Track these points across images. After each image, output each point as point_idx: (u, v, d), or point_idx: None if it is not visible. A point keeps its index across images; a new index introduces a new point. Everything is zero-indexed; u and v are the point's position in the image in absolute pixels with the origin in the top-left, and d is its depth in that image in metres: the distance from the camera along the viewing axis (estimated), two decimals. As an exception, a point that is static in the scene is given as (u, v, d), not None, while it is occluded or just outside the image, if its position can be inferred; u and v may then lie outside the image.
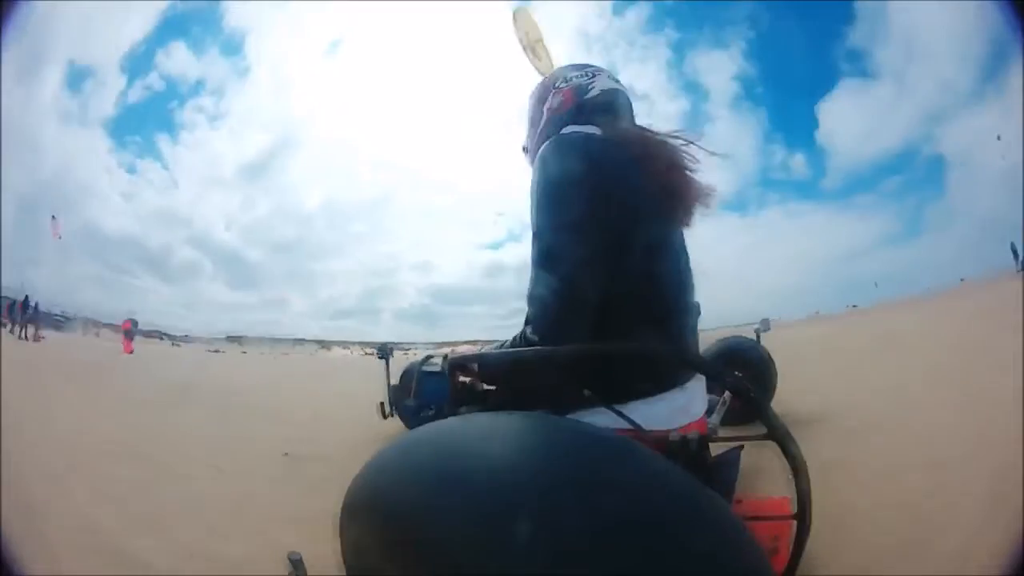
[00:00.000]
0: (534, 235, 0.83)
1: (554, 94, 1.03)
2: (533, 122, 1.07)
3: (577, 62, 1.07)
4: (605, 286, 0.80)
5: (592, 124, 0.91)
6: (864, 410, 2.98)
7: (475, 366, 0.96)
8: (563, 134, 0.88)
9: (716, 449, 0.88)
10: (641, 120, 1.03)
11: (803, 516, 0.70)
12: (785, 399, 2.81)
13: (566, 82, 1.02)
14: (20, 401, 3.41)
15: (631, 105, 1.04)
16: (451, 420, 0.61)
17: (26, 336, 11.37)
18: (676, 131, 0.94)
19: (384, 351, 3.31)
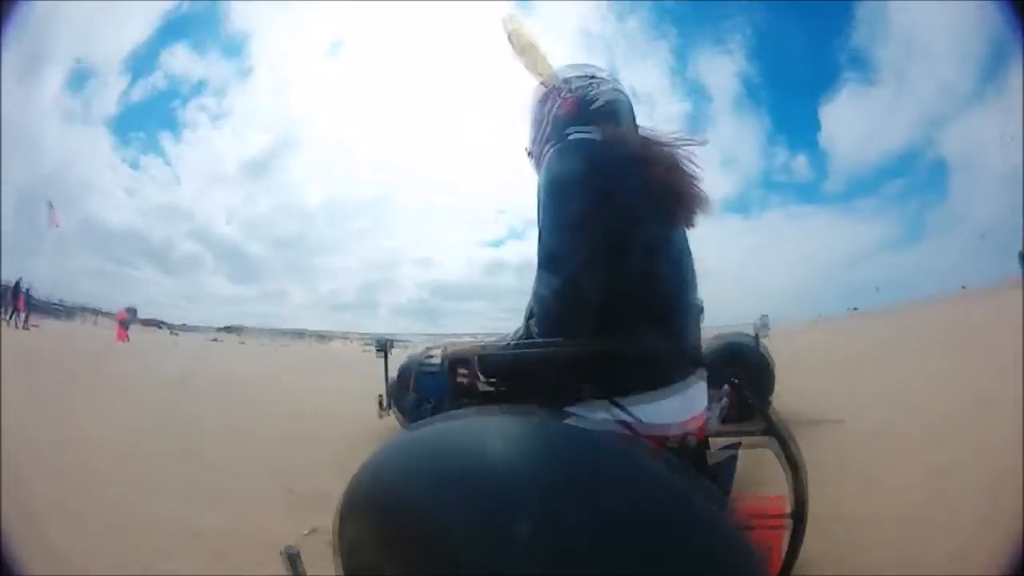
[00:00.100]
0: (539, 236, 0.85)
1: (559, 100, 1.04)
2: (537, 126, 1.09)
3: (578, 63, 1.08)
4: (607, 285, 0.81)
5: (596, 129, 0.93)
6: (862, 412, 2.99)
7: (475, 362, 0.97)
8: (568, 140, 0.90)
9: (714, 447, 0.88)
10: (643, 121, 1.04)
11: (800, 515, 0.70)
12: (784, 400, 2.82)
13: (571, 91, 1.03)
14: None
15: (633, 110, 1.05)
16: (449, 420, 0.61)
17: (17, 323, 10.79)
18: (678, 134, 0.95)
19: (382, 345, 3.30)
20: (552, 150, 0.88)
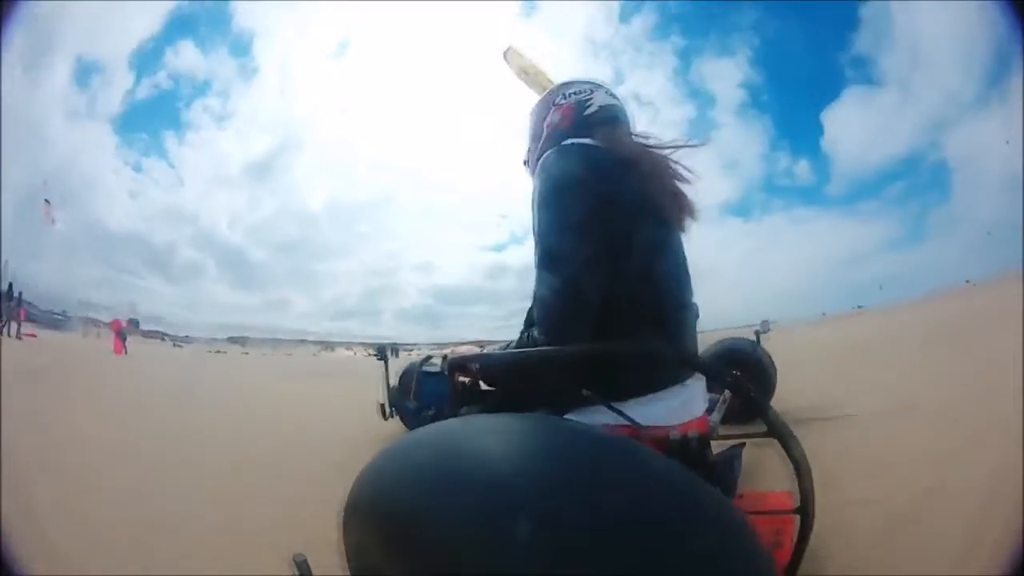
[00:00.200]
0: (537, 239, 0.85)
1: (554, 110, 1.06)
2: (534, 137, 1.11)
3: (574, 79, 1.10)
4: (606, 287, 0.82)
5: (592, 137, 0.94)
6: (864, 410, 2.98)
7: (475, 367, 0.97)
8: (563, 144, 0.91)
9: (717, 448, 0.88)
10: (647, 126, 1.07)
11: (806, 513, 0.70)
12: (786, 399, 2.82)
13: (565, 98, 1.05)
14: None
15: (628, 118, 1.07)
16: (451, 421, 0.61)
17: (10, 332, 9.65)
18: (676, 140, 0.97)
19: (382, 352, 3.30)
20: (548, 154, 0.89)
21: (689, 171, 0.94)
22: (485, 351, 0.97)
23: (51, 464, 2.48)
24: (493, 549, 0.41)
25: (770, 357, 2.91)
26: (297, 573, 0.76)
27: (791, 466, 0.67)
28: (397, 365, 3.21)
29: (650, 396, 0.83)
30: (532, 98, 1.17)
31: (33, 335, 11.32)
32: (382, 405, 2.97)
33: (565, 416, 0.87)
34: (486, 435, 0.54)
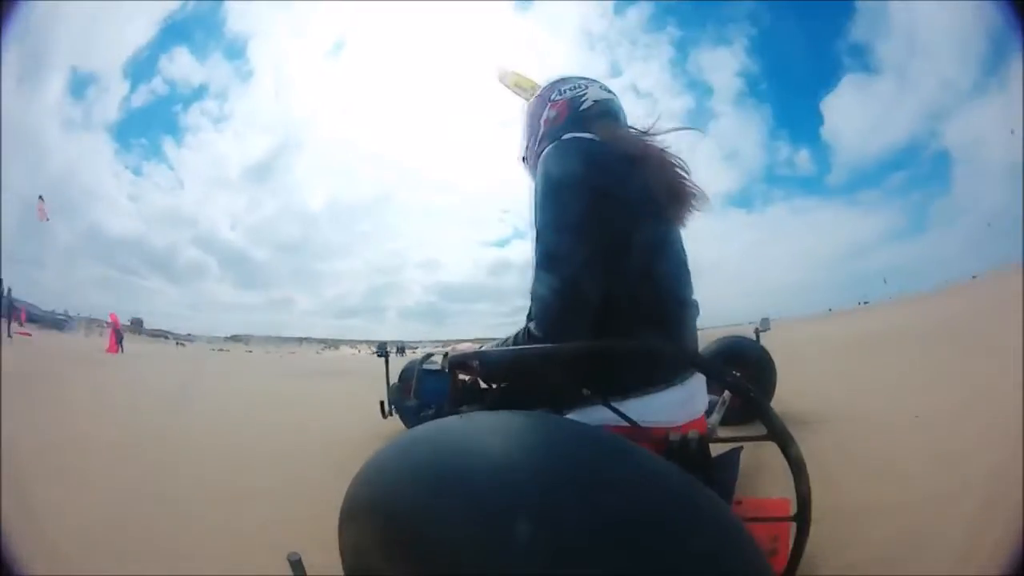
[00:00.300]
0: (536, 236, 0.85)
1: (550, 106, 1.07)
2: (531, 134, 1.11)
3: (568, 75, 1.11)
4: (606, 284, 0.82)
5: (588, 131, 0.94)
6: (864, 409, 2.97)
7: (476, 364, 0.97)
8: (562, 139, 0.91)
9: (716, 449, 0.88)
10: (645, 118, 1.05)
11: (803, 517, 0.70)
12: (786, 398, 2.81)
13: (560, 94, 1.06)
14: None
15: (624, 112, 1.08)
16: (450, 419, 0.61)
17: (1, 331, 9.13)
18: (671, 127, 0.97)
19: (383, 349, 3.30)
20: (547, 150, 0.88)
21: (687, 166, 0.94)
22: (484, 348, 0.97)
23: (38, 466, 2.43)
24: (492, 549, 0.41)
25: (770, 356, 2.90)
26: (292, 572, 0.76)
27: (789, 466, 0.66)
28: (403, 364, 3.21)
29: (650, 395, 0.83)
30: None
31: (28, 334, 10.98)
32: (382, 403, 2.98)
33: (565, 415, 0.87)
34: (485, 434, 0.54)
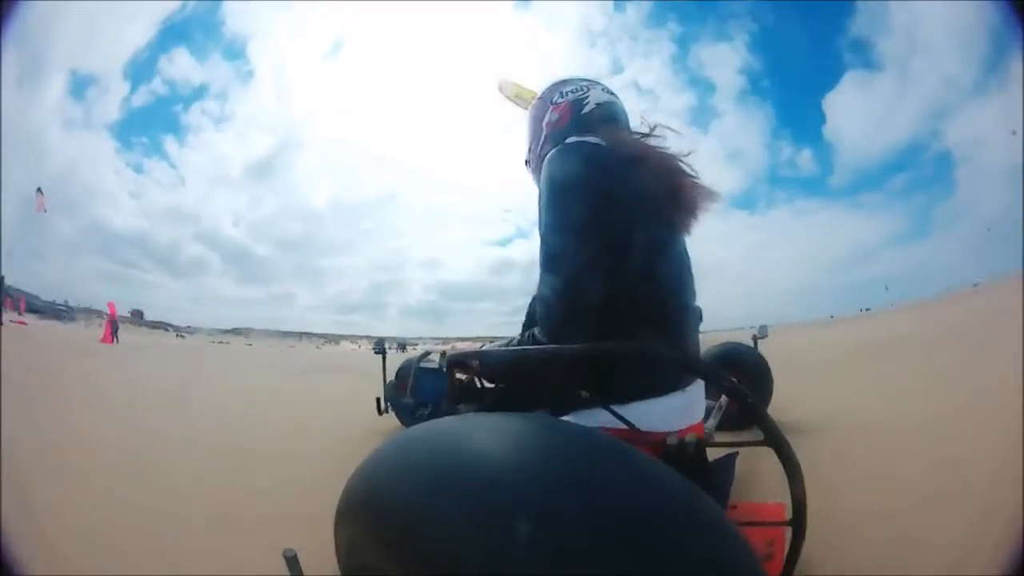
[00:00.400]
0: (541, 238, 0.86)
1: (552, 109, 1.07)
2: (534, 137, 1.12)
3: (570, 77, 1.11)
4: (608, 287, 0.81)
5: (591, 134, 0.94)
6: (864, 413, 2.98)
7: (475, 364, 0.97)
8: (565, 143, 0.91)
9: (712, 454, 0.88)
10: (648, 116, 1.05)
11: (798, 522, 0.70)
12: (783, 405, 2.81)
13: (562, 97, 1.07)
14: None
15: (626, 114, 1.08)
16: (448, 419, 0.60)
17: None
18: (667, 126, 0.98)
19: (380, 346, 3.30)
20: (551, 153, 0.89)
21: (692, 168, 0.94)
22: (484, 348, 0.97)
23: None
24: (490, 548, 0.41)
25: (766, 363, 2.90)
26: (287, 570, 0.76)
27: (785, 471, 0.67)
28: (401, 361, 3.21)
29: (650, 399, 0.83)
30: (535, 77, 1.20)
31: (23, 322, 10.85)
32: (378, 399, 2.98)
33: (563, 417, 0.87)
34: (483, 433, 0.54)
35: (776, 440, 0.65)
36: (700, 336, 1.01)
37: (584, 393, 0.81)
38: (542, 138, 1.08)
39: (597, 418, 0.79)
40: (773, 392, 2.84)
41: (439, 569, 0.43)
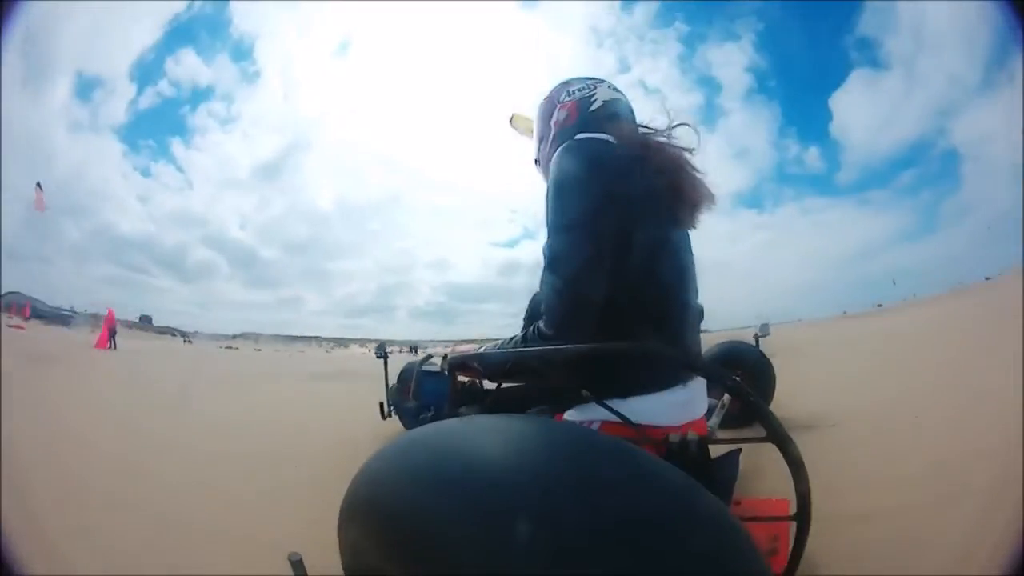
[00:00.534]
0: (548, 234, 0.86)
1: (559, 108, 1.07)
2: (542, 138, 1.12)
3: (576, 76, 1.11)
4: (610, 285, 0.82)
5: (599, 131, 0.94)
6: (866, 411, 2.97)
7: (476, 365, 0.97)
8: (574, 140, 0.91)
9: (715, 451, 0.87)
10: (655, 115, 1.04)
11: (803, 517, 0.70)
12: (785, 402, 2.80)
13: (569, 95, 1.06)
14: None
15: (633, 111, 1.08)
16: (450, 421, 0.61)
17: None
18: (674, 123, 0.97)
19: (381, 349, 3.30)
20: (559, 151, 0.89)
21: (699, 166, 0.94)
22: (484, 349, 0.97)
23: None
24: (492, 549, 0.41)
25: (768, 361, 2.90)
26: (292, 572, 0.76)
27: (789, 468, 0.66)
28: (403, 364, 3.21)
29: (649, 397, 0.83)
30: (541, 78, 1.19)
31: (21, 327, 10.69)
32: (381, 404, 2.98)
33: (564, 415, 0.87)
34: (483, 434, 0.54)
35: (779, 436, 0.65)
36: (706, 335, 1.00)
37: (584, 391, 0.81)
38: (550, 137, 1.08)
39: (597, 416, 0.79)
40: (775, 389, 2.84)
41: (441, 569, 0.43)
